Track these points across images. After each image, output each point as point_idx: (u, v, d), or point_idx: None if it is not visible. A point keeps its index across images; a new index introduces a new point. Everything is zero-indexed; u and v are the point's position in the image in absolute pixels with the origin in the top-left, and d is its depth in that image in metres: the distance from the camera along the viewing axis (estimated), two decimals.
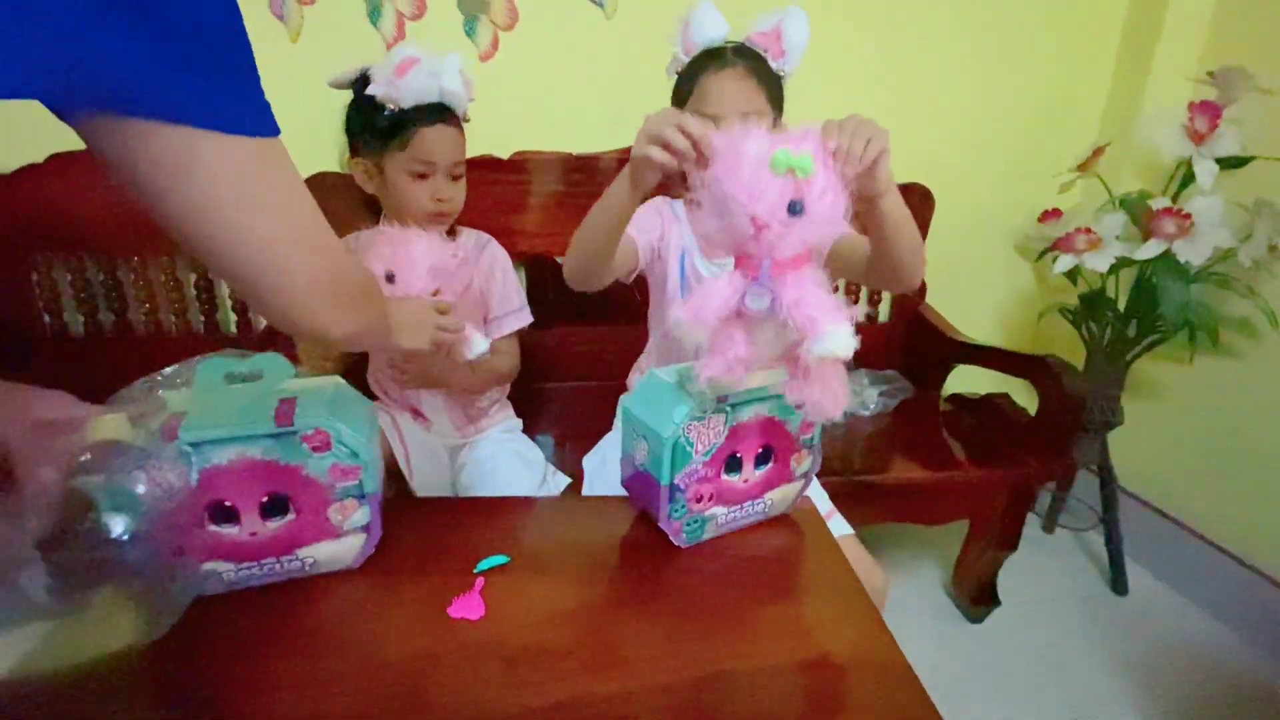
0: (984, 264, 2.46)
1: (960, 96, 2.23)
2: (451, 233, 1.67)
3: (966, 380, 2.36)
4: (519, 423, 1.88)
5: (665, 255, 1.54)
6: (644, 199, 1.16)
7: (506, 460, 1.67)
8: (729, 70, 1.39)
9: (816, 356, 0.89)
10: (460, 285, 1.57)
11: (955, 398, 2.29)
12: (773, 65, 1.43)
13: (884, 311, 2.43)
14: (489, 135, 2.02)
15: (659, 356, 1.68)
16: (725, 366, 0.94)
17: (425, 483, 1.64)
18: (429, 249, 1.34)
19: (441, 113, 1.53)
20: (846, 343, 0.89)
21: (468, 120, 1.59)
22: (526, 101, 2.05)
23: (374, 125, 1.53)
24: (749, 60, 1.40)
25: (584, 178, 2.04)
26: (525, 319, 1.74)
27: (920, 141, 2.25)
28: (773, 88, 1.42)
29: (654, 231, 1.51)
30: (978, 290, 2.47)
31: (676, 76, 1.47)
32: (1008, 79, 2.23)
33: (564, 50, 2.01)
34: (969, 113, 2.26)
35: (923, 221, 2.23)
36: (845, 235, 1.21)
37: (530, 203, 2.05)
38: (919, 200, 2.26)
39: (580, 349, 2.22)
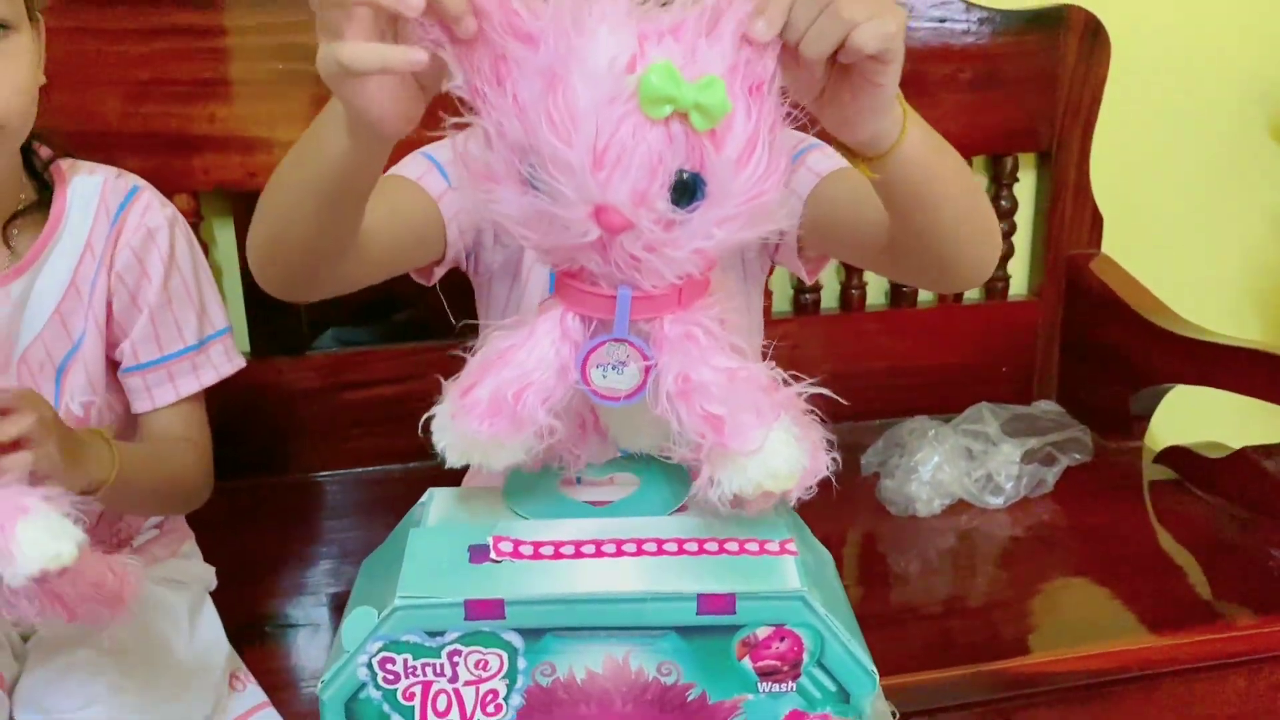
0: (1217, 173, 1.48)
1: None
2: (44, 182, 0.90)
3: (1194, 416, 1.40)
4: (194, 557, 1.03)
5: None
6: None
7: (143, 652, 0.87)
8: None
9: (727, 496, 0.56)
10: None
11: (1176, 455, 1.29)
12: None
13: (1021, 274, 1.42)
14: None
15: None
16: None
17: None
18: None
19: None
20: (788, 466, 0.55)
21: None
22: None
23: None
24: None
25: None
26: (227, 363, 0.96)
27: None
28: None
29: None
30: (1203, 228, 1.50)
31: None
32: None
33: None
34: None
35: (1082, 77, 1.33)
36: (837, 172, 0.79)
37: (240, 71, 1.15)
38: (1079, 40, 1.32)
39: (361, 394, 1.26)
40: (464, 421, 0.55)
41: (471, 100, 0.54)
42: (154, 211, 0.89)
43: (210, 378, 0.91)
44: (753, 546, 0.59)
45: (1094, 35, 1.28)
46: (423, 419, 0.57)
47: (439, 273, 0.84)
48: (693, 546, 0.57)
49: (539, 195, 0.52)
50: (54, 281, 0.85)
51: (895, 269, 0.74)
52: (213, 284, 0.92)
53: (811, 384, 0.59)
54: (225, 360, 0.92)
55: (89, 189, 0.88)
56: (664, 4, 0.54)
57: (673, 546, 0.58)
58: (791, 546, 0.59)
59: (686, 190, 0.52)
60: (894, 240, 0.68)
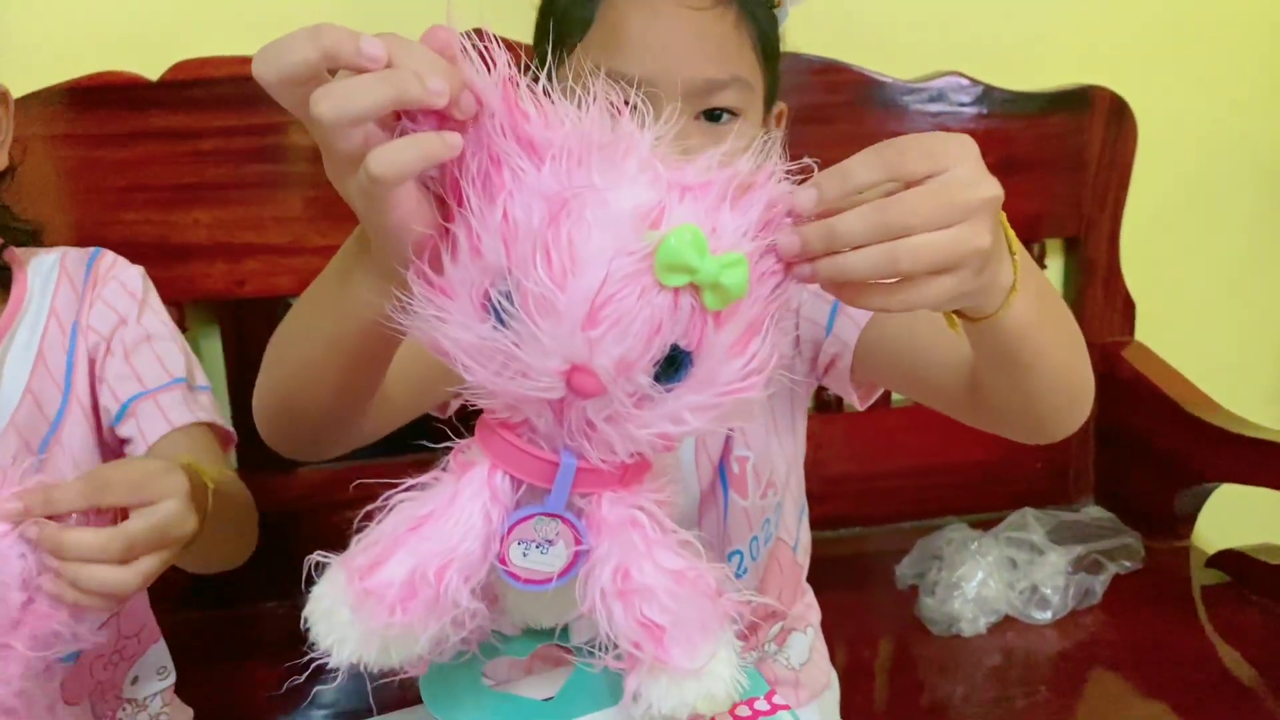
0: (1250, 254, 1.41)
1: None
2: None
3: (1244, 516, 1.29)
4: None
5: None
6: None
7: None
8: None
9: (656, 718, 0.48)
10: None
11: (1231, 559, 1.19)
12: None
13: None
14: (120, 35, 1.06)
15: None
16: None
17: None
18: None
19: None
20: (727, 691, 0.48)
21: None
22: None
23: None
24: None
25: None
26: (219, 416, 0.84)
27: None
28: (765, 31, 0.74)
29: None
30: (1238, 311, 1.43)
31: None
32: None
33: None
34: None
35: (1109, 159, 1.27)
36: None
37: (224, 175, 1.08)
38: (1105, 122, 1.27)
39: (359, 513, 1.08)
40: (370, 612, 0.45)
41: (447, 198, 0.46)
42: (122, 265, 0.84)
43: (205, 416, 0.81)
44: (743, 710, 0.53)
45: (1119, 116, 1.22)
46: (304, 612, 0.48)
47: (455, 405, 0.76)
48: None
49: (501, 331, 0.43)
50: (22, 357, 0.78)
51: (971, 416, 0.67)
52: (192, 354, 0.84)
53: (750, 595, 0.50)
54: (217, 413, 0.82)
55: (46, 265, 0.82)
56: (684, 153, 0.46)
57: None
58: (778, 699, 0.53)
59: (671, 366, 0.45)
60: (978, 389, 0.61)
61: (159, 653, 0.87)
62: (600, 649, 0.48)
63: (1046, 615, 1.07)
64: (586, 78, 0.44)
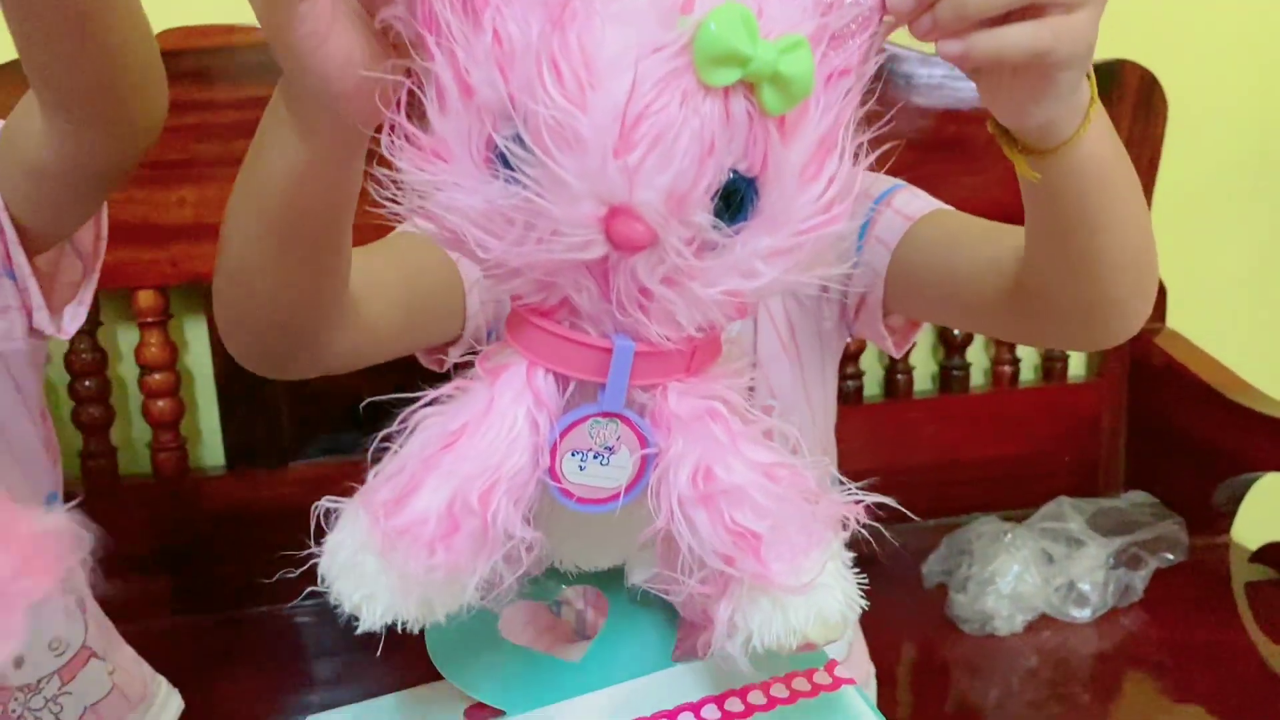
0: None
1: None
2: None
3: None
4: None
5: None
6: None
7: None
8: None
9: (759, 649, 0.40)
10: None
11: (1276, 555, 1.13)
12: None
13: (1080, 353, 1.30)
14: None
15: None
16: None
17: None
18: None
19: None
20: (840, 611, 0.41)
21: None
22: None
23: None
24: None
25: None
26: None
27: None
28: None
29: None
30: (1273, 296, 1.36)
31: None
32: None
33: None
34: None
35: (1139, 138, 1.20)
36: (931, 214, 0.66)
37: (213, 151, 1.00)
38: (1134, 99, 1.21)
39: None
40: (405, 555, 0.37)
41: (420, 36, 0.38)
42: None
43: None
44: (802, 684, 0.46)
45: (1149, 93, 1.17)
46: (320, 568, 0.41)
47: (454, 354, 0.68)
48: (737, 705, 0.44)
49: (516, 183, 0.35)
50: None
51: (1019, 322, 0.60)
52: None
53: (866, 484, 0.44)
54: None
55: None
56: None
57: (713, 712, 0.44)
58: (841, 671, 0.47)
59: (733, 200, 0.36)
60: (1033, 277, 0.54)
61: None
62: (684, 571, 0.39)
63: (1085, 613, 1.00)
64: None
